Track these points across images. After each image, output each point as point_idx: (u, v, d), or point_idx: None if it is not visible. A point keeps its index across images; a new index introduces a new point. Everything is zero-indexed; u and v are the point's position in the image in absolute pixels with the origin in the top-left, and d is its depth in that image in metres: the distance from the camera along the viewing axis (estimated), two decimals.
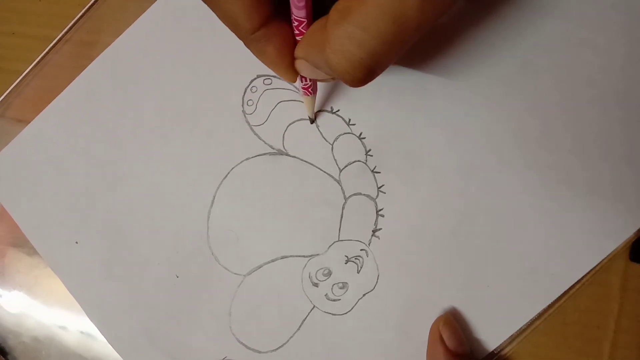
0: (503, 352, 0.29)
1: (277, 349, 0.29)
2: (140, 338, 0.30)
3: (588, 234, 0.28)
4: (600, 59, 0.28)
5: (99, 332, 0.31)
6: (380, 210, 0.29)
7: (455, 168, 0.28)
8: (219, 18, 0.22)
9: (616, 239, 0.28)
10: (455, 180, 0.28)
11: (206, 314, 0.30)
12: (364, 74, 0.19)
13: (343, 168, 0.29)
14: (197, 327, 0.30)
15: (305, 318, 0.29)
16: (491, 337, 0.28)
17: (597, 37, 0.28)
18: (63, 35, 0.32)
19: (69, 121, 0.31)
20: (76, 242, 0.31)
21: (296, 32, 0.22)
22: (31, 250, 0.32)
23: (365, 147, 0.29)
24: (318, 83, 0.28)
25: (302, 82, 0.25)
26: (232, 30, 0.22)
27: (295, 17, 0.22)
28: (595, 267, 0.28)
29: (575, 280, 0.28)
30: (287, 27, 0.22)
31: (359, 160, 0.29)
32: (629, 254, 0.28)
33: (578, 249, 0.28)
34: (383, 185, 0.29)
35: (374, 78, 0.20)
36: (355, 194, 0.29)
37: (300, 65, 0.23)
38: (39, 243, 0.31)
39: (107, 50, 0.31)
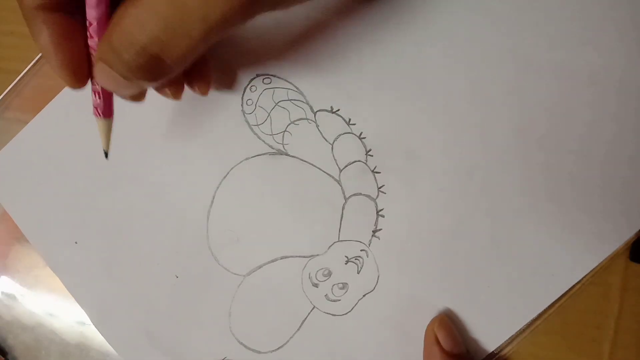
0: (503, 352, 0.29)
1: (277, 349, 0.29)
2: (140, 338, 0.30)
3: (588, 234, 0.28)
4: (600, 58, 0.28)
5: (98, 332, 0.31)
6: (380, 210, 0.29)
7: (455, 168, 0.28)
8: None
9: (616, 239, 0.28)
10: (455, 180, 0.28)
11: (206, 314, 0.30)
12: (149, 62, 0.19)
13: (343, 168, 0.29)
14: (197, 327, 0.30)
15: (305, 318, 0.29)
16: (491, 337, 0.28)
17: (597, 37, 0.28)
18: None
19: (68, 121, 0.31)
20: (76, 242, 0.31)
21: (90, 35, 0.21)
22: (31, 250, 0.32)
23: (365, 147, 0.29)
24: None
25: (95, 97, 0.23)
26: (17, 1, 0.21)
27: (90, 18, 0.20)
28: (595, 267, 0.28)
29: (576, 281, 0.28)
30: (74, 26, 0.21)
31: (359, 160, 0.29)
32: (629, 254, 0.28)
33: (578, 249, 0.28)
34: (383, 185, 0.29)
35: (167, 73, 0.20)
36: (355, 194, 0.29)
37: (98, 68, 0.21)
38: (38, 243, 0.31)
39: None
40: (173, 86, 0.26)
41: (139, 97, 0.25)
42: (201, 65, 0.26)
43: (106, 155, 0.25)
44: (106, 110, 0.23)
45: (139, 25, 0.18)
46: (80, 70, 0.22)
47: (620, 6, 0.27)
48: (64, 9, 0.21)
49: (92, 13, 0.20)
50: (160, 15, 0.18)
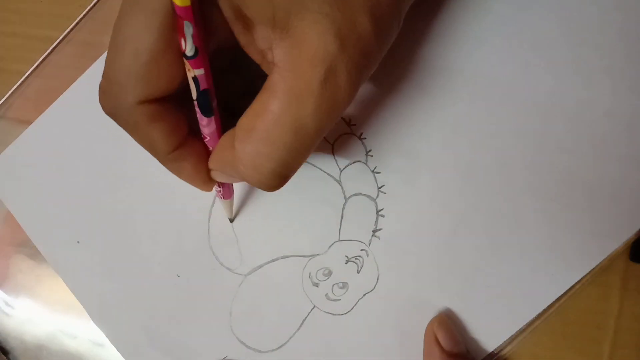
0: (503, 352, 0.29)
1: (277, 348, 0.29)
2: (141, 337, 0.30)
3: (588, 234, 0.28)
4: (600, 59, 0.28)
5: (100, 332, 0.31)
6: (380, 210, 0.29)
7: (455, 168, 0.29)
8: (137, 141, 0.22)
9: (616, 239, 0.28)
10: (455, 180, 0.29)
11: (207, 313, 0.30)
12: (278, 181, 0.21)
13: (343, 168, 0.29)
14: (197, 326, 0.30)
15: (306, 318, 0.29)
16: (491, 337, 0.28)
17: (597, 37, 0.28)
18: (65, 36, 0.32)
19: (71, 122, 0.31)
20: (78, 242, 0.31)
21: (207, 144, 0.23)
22: (33, 251, 0.32)
23: (365, 147, 0.29)
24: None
25: (218, 187, 0.26)
26: (149, 152, 0.23)
27: (204, 134, 0.23)
28: (595, 267, 0.28)
29: (576, 281, 0.28)
30: (200, 143, 0.23)
31: (359, 161, 0.29)
32: (629, 254, 0.28)
33: (578, 249, 0.28)
34: (383, 185, 0.29)
35: (288, 180, 0.22)
36: (355, 194, 0.29)
37: (215, 175, 0.24)
38: (40, 243, 0.31)
39: None
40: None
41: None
42: None
43: (232, 221, 0.30)
44: (229, 194, 0.27)
45: (267, 157, 0.20)
46: (210, 178, 0.24)
47: (619, 7, 0.28)
48: (188, 138, 0.23)
49: (206, 130, 0.23)
50: (284, 143, 0.20)
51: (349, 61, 0.19)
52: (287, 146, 0.20)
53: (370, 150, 0.29)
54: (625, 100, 0.28)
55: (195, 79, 0.20)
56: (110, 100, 0.21)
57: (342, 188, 0.29)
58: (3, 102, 0.32)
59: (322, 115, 0.20)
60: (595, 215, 0.28)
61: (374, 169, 0.29)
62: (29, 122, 0.32)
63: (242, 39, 0.21)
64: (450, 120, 0.29)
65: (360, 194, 0.29)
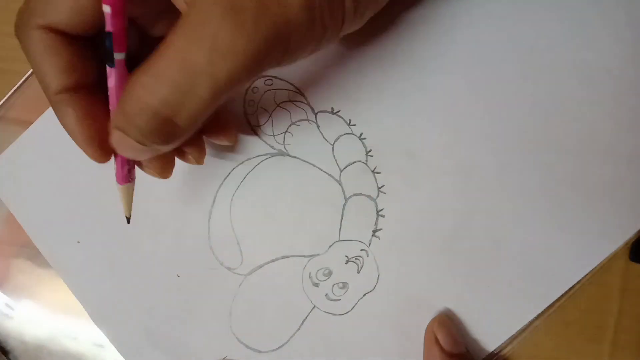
0: (503, 352, 0.29)
1: (277, 348, 0.29)
2: (141, 337, 0.30)
3: (588, 234, 0.28)
4: (600, 59, 0.28)
5: (100, 332, 0.31)
6: (380, 210, 0.29)
7: (455, 168, 0.29)
8: (32, 68, 0.22)
9: (616, 239, 0.28)
10: (455, 180, 0.29)
11: (207, 313, 0.30)
12: (162, 125, 0.19)
13: (343, 168, 0.29)
14: (197, 326, 0.30)
15: (306, 318, 0.29)
16: (491, 337, 0.28)
17: (598, 38, 0.28)
18: None
19: None
20: (78, 242, 0.31)
21: (110, 99, 0.21)
22: (34, 252, 0.32)
23: (365, 147, 0.29)
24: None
25: (116, 165, 0.23)
26: (40, 84, 0.22)
27: (110, 87, 0.21)
28: (595, 267, 0.28)
29: (576, 281, 0.28)
30: (96, 101, 0.22)
31: (359, 161, 0.29)
32: (629, 254, 0.28)
33: (578, 249, 0.28)
34: (383, 185, 0.29)
35: (180, 135, 0.20)
36: (355, 194, 0.29)
37: (114, 137, 0.21)
38: (41, 242, 0.31)
39: None
40: (194, 148, 0.26)
41: (164, 172, 0.25)
42: (219, 121, 0.27)
43: (128, 220, 0.25)
44: (123, 177, 0.24)
45: (150, 91, 0.19)
46: (105, 145, 0.22)
47: (618, 7, 0.28)
48: (87, 88, 0.22)
49: (110, 83, 0.21)
50: (168, 79, 0.18)
51: (259, 5, 0.18)
52: (172, 82, 0.18)
53: (370, 150, 0.29)
54: (626, 100, 0.28)
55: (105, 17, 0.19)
56: (17, 20, 0.21)
57: (342, 188, 0.29)
58: (3, 102, 0.32)
59: (216, 56, 0.18)
60: (595, 215, 0.28)
61: (374, 169, 0.29)
62: (29, 123, 0.32)
63: None
64: (451, 120, 0.29)
65: (360, 194, 0.29)
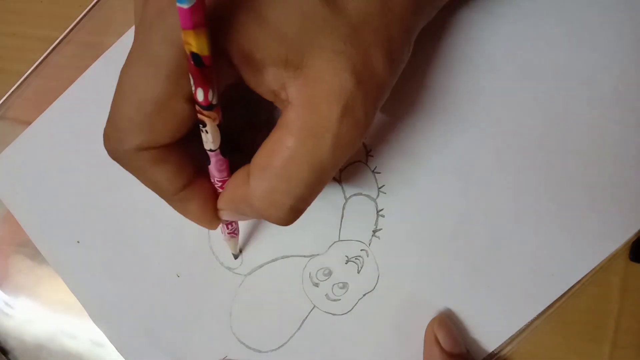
0: (503, 352, 0.29)
1: (277, 348, 0.29)
2: (141, 337, 0.30)
3: (588, 234, 0.28)
4: (600, 59, 0.28)
5: (100, 332, 0.31)
6: (380, 210, 0.29)
7: (455, 168, 0.29)
8: (142, 182, 0.22)
9: (616, 239, 0.28)
10: (455, 180, 0.29)
11: (207, 313, 0.30)
12: (294, 216, 0.21)
13: (344, 168, 0.29)
14: (197, 326, 0.30)
15: (306, 318, 0.29)
16: (491, 337, 0.28)
17: (597, 37, 0.28)
18: (65, 36, 0.32)
19: (71, 122, 0.31)
20: (78, 242, 0.31)
21: (217, 186, 0.23)
22: (33, 251, 0.32)
23: (365, 147, 0.29)
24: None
25: (226, 228, 0.27)
26: (155, 192, 0.23)
27: (217, 179, 0.23)
28: (595, 267, 0.28)
29: (576, 281, 0.28)
30: (206, 183, 0.23)
31: (359, 161, 0.29)
32: (629, 254, 0.28)
33: (578, 249, 0.28)
34: (383, 185, 0.29)
35: (303, 213, 0.22)
36: (355, 194, 0.29)
37: (224, 214, 0.24)
38: (40, 242, 0.31)
39: (109, 51, 0.31)
40: None
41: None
42: None
43: (236, 257, 0.30)
44: (236, 232, 0.28)
45: (286, 194, 0.20)
46: (216, 217, 0.24)
47: (618, 7, 0.28)
48: (198, 176, 0.23)
49: (221, 175, 0.23)
50: (302, 181, 0.20)
51: (365, 96, 0.20)
52: (304, 182, 0.20)
53: (370, 150, 0.29)
54: (626, 100, 0.28)
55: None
56: (113, 146, 0.21)
57: (342, 188, 0.29)
58: (3, 102, 0.32)
59: (340, 151, 0.20)
60: (595, 215, 0.28)
61: (374, 169, 0.29)
62: (28, 122, 0.32)
63: (252, 81, 0.21)
64: (451, 120, 0.29)
65: (360, 194, 0.29)
